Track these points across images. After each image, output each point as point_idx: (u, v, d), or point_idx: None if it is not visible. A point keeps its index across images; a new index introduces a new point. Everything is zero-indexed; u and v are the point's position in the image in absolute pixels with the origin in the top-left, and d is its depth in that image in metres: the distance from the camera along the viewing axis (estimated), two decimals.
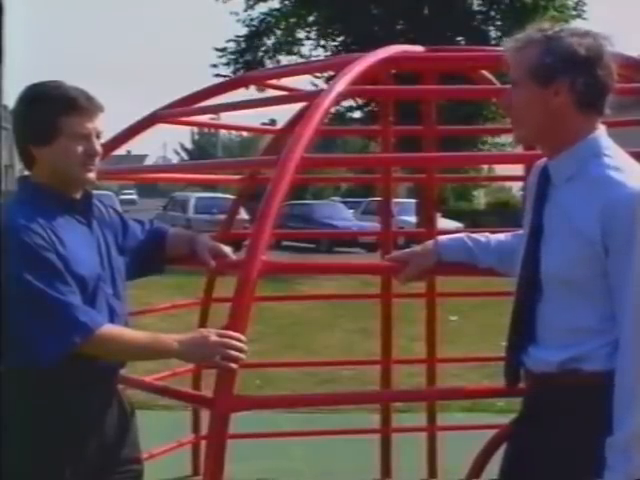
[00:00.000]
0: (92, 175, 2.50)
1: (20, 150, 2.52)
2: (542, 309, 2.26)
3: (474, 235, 2.63)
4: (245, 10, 22.92)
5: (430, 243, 2.64)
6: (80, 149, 2.45)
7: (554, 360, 2.21)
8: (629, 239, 2.10)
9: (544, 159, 2.36)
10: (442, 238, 2.65)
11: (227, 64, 22.68)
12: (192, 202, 26.74)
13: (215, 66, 22.67)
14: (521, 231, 2.48)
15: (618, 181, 2.13)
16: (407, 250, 2.65)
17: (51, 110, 2.44)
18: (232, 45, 22.96)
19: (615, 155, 2.22)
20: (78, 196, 2.53)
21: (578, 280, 2.17)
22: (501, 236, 2.63)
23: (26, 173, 2.60)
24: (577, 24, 19.90)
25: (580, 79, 2.18)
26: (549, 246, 2.24)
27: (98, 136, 2.51)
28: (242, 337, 2.40)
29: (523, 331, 2.30)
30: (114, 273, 2.54)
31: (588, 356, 2.17)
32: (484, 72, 4.72)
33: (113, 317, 2.47)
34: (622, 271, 2.11)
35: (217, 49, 22.90)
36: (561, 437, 2.21)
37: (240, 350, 2.38)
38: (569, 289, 2.19)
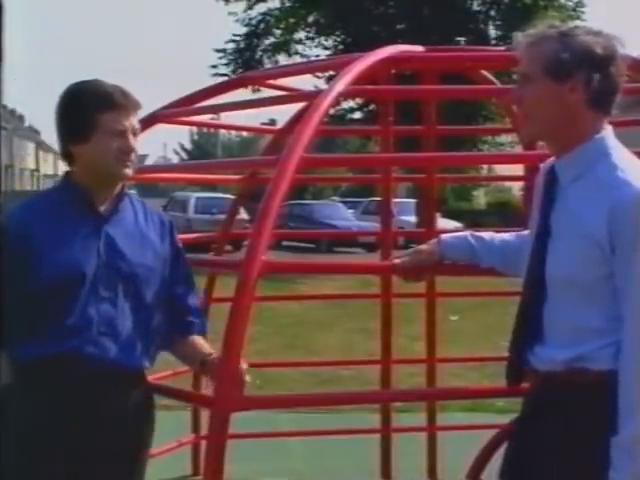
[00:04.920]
0: (128, 171, 2.52)
1: (60, 148, 2.56)
2: (548, 309, 2.25)
3: (478, 233, 2.63)
4: (245, 10, 22.93)
5: (434, 242, 2.64)
6: (115, 145, 2.47)
7: (560, 358, 2.21)
8: (635, 239, 2.10)
9: (551, 160, 2.35)
10: (445, 236, 2.65)
11: (227, 64, 22.68)
12: (192, 202, 26.73)
13: (215, 67, 22.69)
14: (525, 232, 2.48)
15: (625, 182, 2.13)
16: (411, 249, 2.66)
17: (87, 107, 2.47)
18: (231, 45, 22.97)
19: (621, 156, 2.22)
20: (109, 194, 2.54)
21: (584, 281, 2.17)
22: (505, 235, 2.62)
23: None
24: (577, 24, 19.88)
25: (596, 76, 2.18)
26: (556, 247, 2.23)
27: (135, 133, 2.52)
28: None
29: (529, 330, 2.29)
30: (114, 277, 2.48)
31: (594, 355, 2.17)
32: (484, 72, 4.72)
33: (92, 321, 2.43)
34: (627, 271, 2.11)
35: (217, 50, 22.90)
36: (565, 437, 2.20)
37: None
38: (575, 290, 2.19)
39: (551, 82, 2.21)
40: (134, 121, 2.53)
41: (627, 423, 2.08)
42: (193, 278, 2.77)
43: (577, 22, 20.83)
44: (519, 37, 2.30)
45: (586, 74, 2.18)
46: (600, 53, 2.18)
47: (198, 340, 2.68)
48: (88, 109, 2.46)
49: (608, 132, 2.26)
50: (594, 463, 2.12)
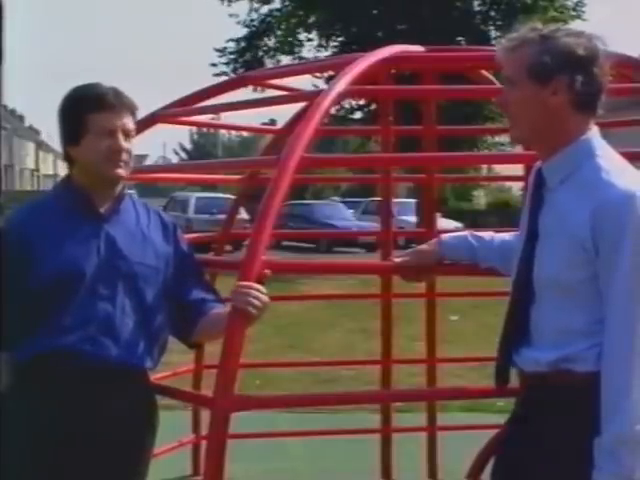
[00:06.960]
0: (121, 171, 2.51)
1: (63, 151, 2.58)
2: (535, 311, 2.26)
3: (478, 233, 2.63)
4: (248, 13, 22.96)
5: (434, 242, 2.65)
6: (105, 145, 2.47)
7: (544, 359, 2.21)
8: (618, 241, 2.09)
9: (540, 161, 2.35)
10: (445, 236, 2.66)
11: (227, 64, 22.68)
12: (192, 202, 26.74)
13: (215, 65, 22.68)
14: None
15: (609, 183, 2.13)
16: (411, 249, 2.66)
17: (78, 109, 2.49)
18: (232, 45, 22.98)
19: (607, 156, 2.22)
20: (109, 195, 2.54)
21: (569, 282, 2.17)
22: (505, 235, 2.63)
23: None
24: (576, 25, 19.91)
25: (578, 78, 2.18)
26: (543, 249, 2.24)
27: (127, 134, 2.52)
28: (260, 287, 2.42)
29: (516, 332, 2.30)
30: (114, 276, 2.49)
31: (579, 357, 2.17)
32: (484, 72, 4.72)
33: (89, 319, 2.44)
34: (611, 272, 2.11)
35: (217, 49, 22.90)
36: (552, 437, 2.21)
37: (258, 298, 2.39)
38: (561, 291, 2.19)
39: (534, 85, 2.21)
40: (126, 121, 2.52)
41: (609, 424, 2.08)
42: (205, 277, 2.78)
43: (577, 22, 20.88)
44: (500, 42, 2.31)
45: (568, 76, 2.18)
46: (582, 54, 2.18)
47: (216, 309, 2.65)
48: (79, 111, 2.49)
49: (594, 133, 2.26)
50: (580, 464, 2.11)
